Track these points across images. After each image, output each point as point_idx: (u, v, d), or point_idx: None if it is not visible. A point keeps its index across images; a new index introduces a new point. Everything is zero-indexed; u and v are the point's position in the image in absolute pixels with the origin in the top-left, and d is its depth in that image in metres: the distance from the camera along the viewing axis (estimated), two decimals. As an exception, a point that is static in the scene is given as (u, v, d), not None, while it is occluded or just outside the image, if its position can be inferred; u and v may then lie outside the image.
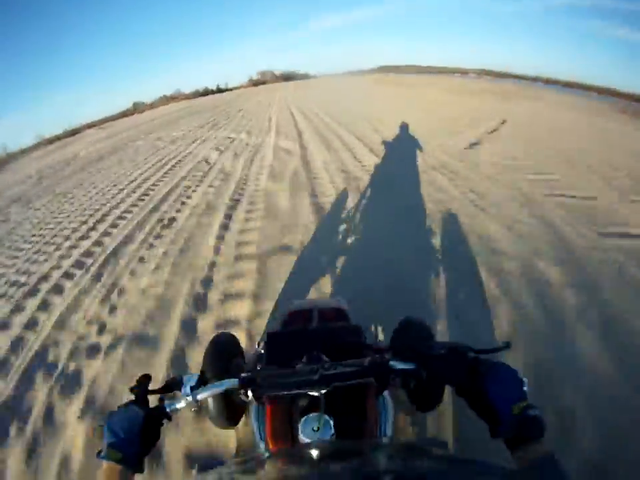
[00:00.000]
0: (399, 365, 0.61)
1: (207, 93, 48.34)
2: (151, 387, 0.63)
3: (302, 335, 0.82)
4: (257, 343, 1.40)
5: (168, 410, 0.60)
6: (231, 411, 0.93)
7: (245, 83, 68.13)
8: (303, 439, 0.58)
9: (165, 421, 0.61)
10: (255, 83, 61.49)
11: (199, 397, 0.61)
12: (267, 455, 0.61)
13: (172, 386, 0.63)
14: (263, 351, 0.86)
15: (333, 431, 0.59)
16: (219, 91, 48.82)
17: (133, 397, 0.61)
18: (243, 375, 0.61)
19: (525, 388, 0.54)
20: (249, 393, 0.61)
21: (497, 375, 0.55)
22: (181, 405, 0.61)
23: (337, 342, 0.73)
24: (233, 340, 1.05)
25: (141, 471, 0.56)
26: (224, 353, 0.95)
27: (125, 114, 31.34)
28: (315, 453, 0.49)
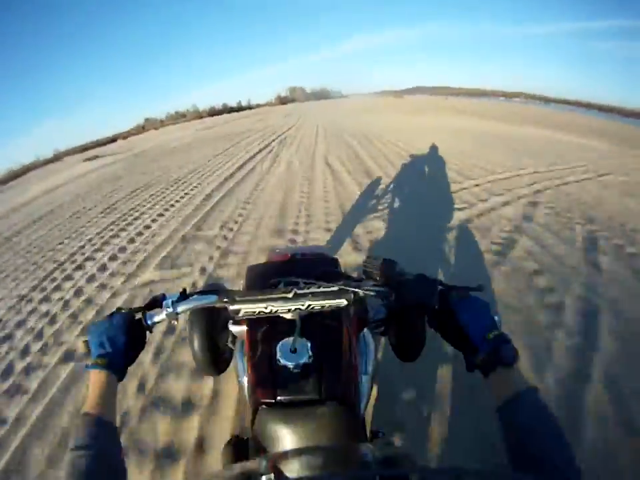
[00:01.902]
0: (370, 287, 0.62)
1: (223, 111, 41.41)
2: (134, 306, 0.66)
3: (281, 266, 0.87)
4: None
5: (149, 322, 0.62)
6: (215, 357, 1.00)
7: (272, 100, 62.89)
8: (281, 361, 0.60)
9: (147, 334, 0.64)
10: (283, 101, 55.73)
11: (179, 309, 0.63)
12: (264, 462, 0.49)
13: (154, 303, 0.64)
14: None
15: (310, 354, 0.60)
16: (239, 109, 43.00)
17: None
18: (222, 295, 0.64)
19: (496, 318, 0.56)
20: (234, 327, 0.73)
21: (469, 305, 0.57)
22: (161, 316, 0.63)
23: (314, 271, 0.75)
24: (222, 289, 1.06)
25: (122, 377, 0.59)
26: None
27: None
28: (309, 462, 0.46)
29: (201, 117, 33.95)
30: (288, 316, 0.63)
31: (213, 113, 40.69)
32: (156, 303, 0.64)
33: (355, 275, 0.85)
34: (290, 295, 0.59)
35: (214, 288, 0.78)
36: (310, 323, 0.63)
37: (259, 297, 0.60)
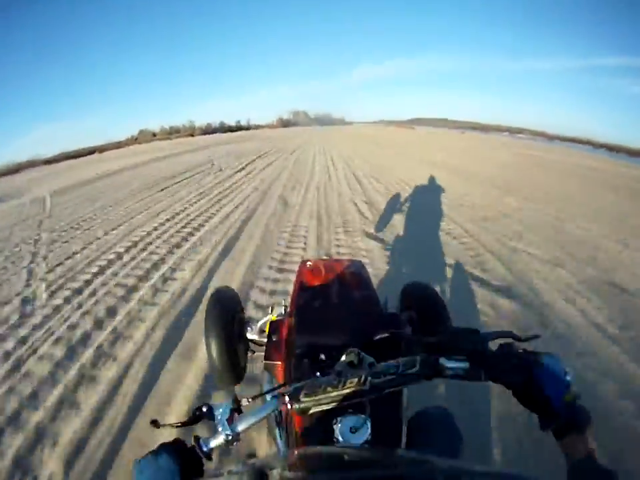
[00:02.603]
0: (451, 364, 0.57)
1: (217, 130, 40.17)
2: (177, 419, 0.59)
3: (333, 319, 0.82)
4: (269, 308, 1.20)
5: (205, 449, 0.51)
6: (233, 365, 0.96)
7: (273, 121, 62.40)
8: (339, 440, 0.56)
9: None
10: (285, 124, 55.08)
11: (239, 428, 0.53)
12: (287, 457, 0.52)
13: (201, 416, 0.54)
14: (276, 318, 0.90)
15: (369, 431, 0.57)
16: (238, 128, 41.87)
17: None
18: (283, 391, 0.56)
19: (569, 377, 0.53)
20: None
21: (547, 365, 0.53)
22: (218, 441, 0.52)
23: (375, 334, 0.71)
24: (232, 294, 1.09)
25: None
26: (226, 309, 0.99)
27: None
28: (343, 457, 0.45)
29: (192, 135, 32.68)
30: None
31: (207, 131, 39.45)
32: (202, 415, 0.54)
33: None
34: (367, 387, 0.54)
35: (221, 293, 1.02)
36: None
37: (330, 395, 0.54)
